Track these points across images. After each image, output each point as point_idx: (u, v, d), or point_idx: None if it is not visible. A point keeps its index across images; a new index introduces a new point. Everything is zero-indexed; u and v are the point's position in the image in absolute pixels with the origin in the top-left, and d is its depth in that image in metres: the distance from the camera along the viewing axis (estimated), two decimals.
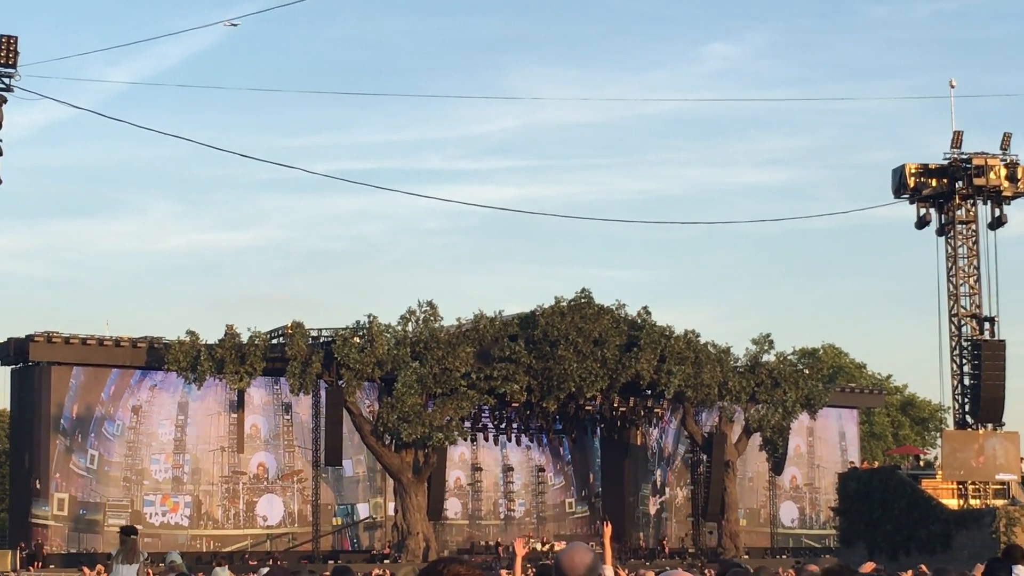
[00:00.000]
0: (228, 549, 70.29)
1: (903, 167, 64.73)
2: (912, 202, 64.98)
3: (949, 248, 64.06)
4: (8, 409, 77.28)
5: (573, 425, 78.02)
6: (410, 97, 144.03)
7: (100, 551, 62.17)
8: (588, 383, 68.82)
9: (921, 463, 74.83)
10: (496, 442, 78.44)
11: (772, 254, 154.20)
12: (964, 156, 63.89)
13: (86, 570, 30.95)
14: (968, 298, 63.82)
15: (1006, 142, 64.16)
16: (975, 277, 63.72)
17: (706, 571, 42.87)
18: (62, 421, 67.06)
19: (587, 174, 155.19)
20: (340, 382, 66.01)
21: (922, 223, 64.75)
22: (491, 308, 70.34)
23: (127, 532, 21.75)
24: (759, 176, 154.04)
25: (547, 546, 72.68)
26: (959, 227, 64.06)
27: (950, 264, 63.92)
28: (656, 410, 77.11)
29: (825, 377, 79.03)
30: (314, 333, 67.04)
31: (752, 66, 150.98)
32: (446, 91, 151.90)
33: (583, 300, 70.49)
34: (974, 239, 64.00)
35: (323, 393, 68.30)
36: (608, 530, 14.17)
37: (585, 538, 77.34)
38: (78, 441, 67.42)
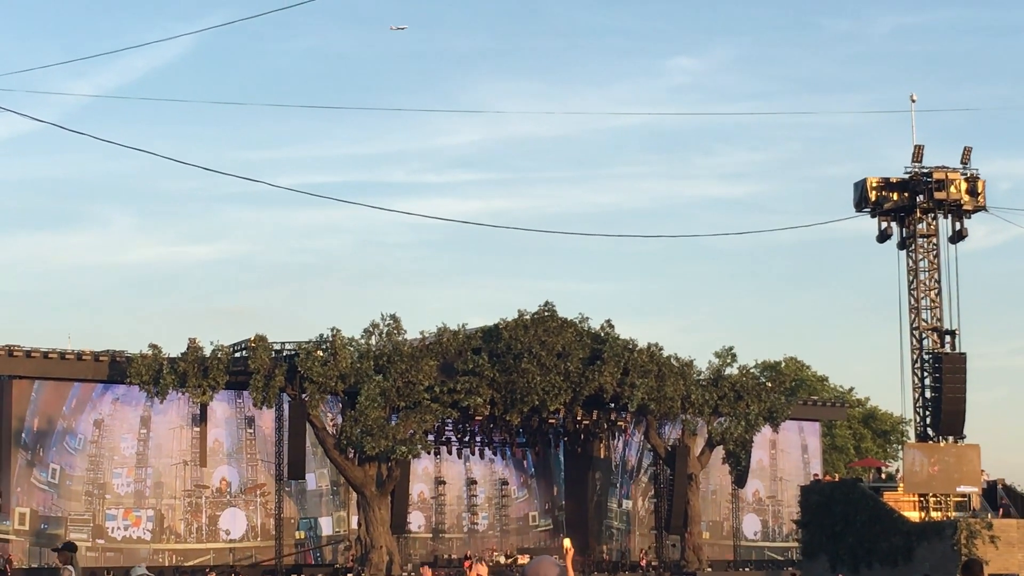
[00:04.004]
0: (191, 563, 70.04)
1: (864, 181, 65.06)
2: (873, 216, 65.31)
3: (910, 262, 64.40)
4: None
5: (536, 438, 78.08)
6: (374, 110, 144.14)
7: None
8: (551, 396, 68.88)
9: (883, 475, 75.14)
10: (460, 455, 78.42)
11: (735, 267, 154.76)
12: (925, 170, 64.29)
13: None
14: (929, 311, 64.16)
15: (966, 156, 64.57)
16: (936, 291, 64.07)
17: None
18: (23, 435, 66.71)
19: (551, 187, 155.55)
20: (303, 395, 65.88)
21: (883, 237, 65.08)
22: (455, 321, 70.39)
23: (71, 548, 21.64)
24: (722, 189, 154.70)
25: (510, 559, 72.75)
26: (920, 241, 64.42)
27: (911, 277, 64.26)
28: (619, 423, 77.19)
29: (787, 390, 79.29)
30: (277, 346, 66.85)
31: (715, 80, 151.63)
32: (410, 104, 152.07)
33: (546, 313, 70.55)
34: (935, 252, 64.38)
35: (286, 407, 68.15)
36: (570, 549, 14.19)
37: (549, 551, 77.37)
38: (39, 455, 67.07)
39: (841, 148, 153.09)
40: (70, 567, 20.79)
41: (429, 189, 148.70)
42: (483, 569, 15.37)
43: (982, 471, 63.40)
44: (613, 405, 73.63)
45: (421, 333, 68.94)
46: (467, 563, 72.25)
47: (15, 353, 66.43)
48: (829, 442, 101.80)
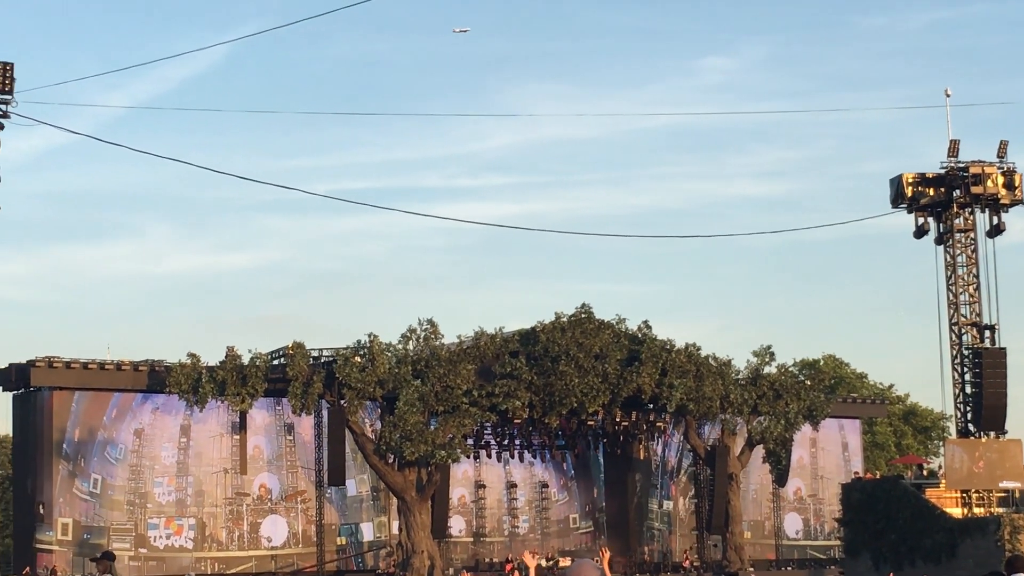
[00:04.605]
0: (233, 571, 70.27)
1: (900, 177, 64.73)
2: (910, 211, 64.95)
3: (948, 257, 64.04)
4: (10, 435, 77.20)
5: (576, 440, 77.92)
6: (408, 116, 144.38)
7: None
8: (590, 398, 68.71)
9: (924, 472, 74.81)
10: (499, 459, 78.34)
11: (771, 266, 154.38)
12: (961, 165, 63.89)
13: None
14: (968, 306, 63.78)
15: (1003, 150, 64.14)
16: (974, 285, 63.69)
17: None
18: (64, 446, 67.03)
19: (585, 189, 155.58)
20: (342, 402, 65.92)
21: (920, 232, 64.73)
22: (491, 325, 70.28)
23: (111, 558, 21.72)
24: (757, 188, 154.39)
25: (551, 562, 72.63)
26: (957, 236, 64.04)
27: (949, 273, 63.89)
28: (658, 424, 76.96)
29: (827, 388, 78.94)
30: (315, 353, 66.89)
31: (748, 79, 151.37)
32: (443, 109, 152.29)
33: (583, 315, 70.39)
34: (973, 247, 63.98)
35: (325, 413, 68.22)
36: (606, 556, 14.17)
37: (590, 553, 77.30)
38: (81, 465, 67.38)
39: (876, 144, 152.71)
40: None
41: (464, 193, 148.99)
42: (531, 560, 15.13)
43: None
44: (652, 406, 73.42)
45: (458, 337, 68.94)
46: (508, 566, 72.39)
47: (55, 365, 66.76)
48: (870, 439, 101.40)
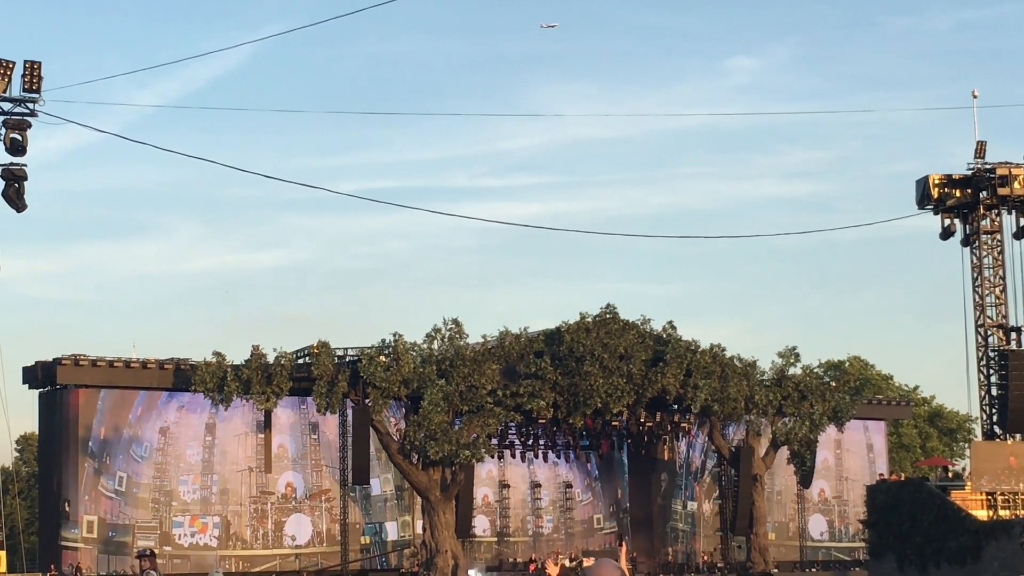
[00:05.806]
0: (257, 569, 70.38)
1: (927, 178, 64.56)
2: (936, 213, 64.78)
3: (974, 258, 63.86)
4: (37, 432, 77.47)
5: (600, 441, 77.84)
6: (435, 116, 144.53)
7: (129, 573, 62.53)
8: (614, 399, 68.61)
9: (950, 474, 74.51)
10: (523, 459, 78.31)
11: (797, 267, 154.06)
12: (988, 166, 63.66)
13: None
14: (994, 308, 63.60)
15: None
16: (1001, 287, 63.51)
17: None
18: (90, 443, 67.25)
19: (612, 189, 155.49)
20: (366, 401, 65.95)
21: (947, 234, 64.56)
22: (516, 325, 70.00)
23: (153, 555, 21.89)
24: (783, 189, 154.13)
25: (575, 562, 72.61)
26: (984, 237, 63.86)
27: (975, 274, 63.72)
28: (683, 425, 76.85)
29: (852, 389, 78.67)
30: (340, 352, 66.92)
31: (775, 79, 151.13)
32: (470, 109, 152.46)
33: (608, 315, 70.29)
34: (999, 249, 63.80)
35: (349, 412, 68.29)
36: (623, 550, 14.17)
37: (614, 554, 77.23)
38: (106, 463, 67.58)
39: (903, 145, 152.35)
40: (154, 572, 21.07)
41: (490, 193, 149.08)
42: (553, 569, 15.28)
43: None
44: (676, 407, 73.29)
45: (483, 337, 68.89)
46: (532, 566, 72.39)
47: (81, 363, 66.97)
48: (895, 441, 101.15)
